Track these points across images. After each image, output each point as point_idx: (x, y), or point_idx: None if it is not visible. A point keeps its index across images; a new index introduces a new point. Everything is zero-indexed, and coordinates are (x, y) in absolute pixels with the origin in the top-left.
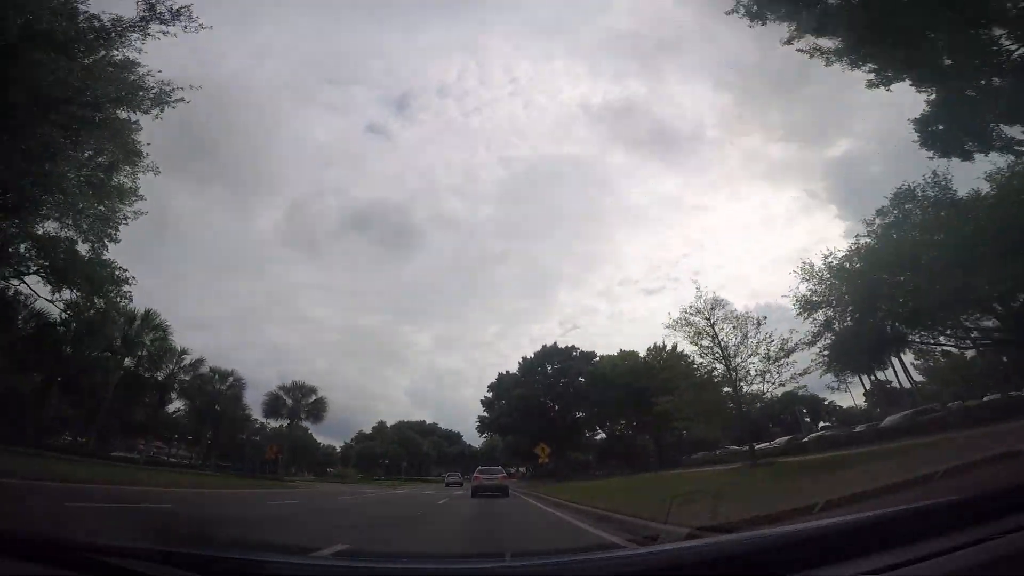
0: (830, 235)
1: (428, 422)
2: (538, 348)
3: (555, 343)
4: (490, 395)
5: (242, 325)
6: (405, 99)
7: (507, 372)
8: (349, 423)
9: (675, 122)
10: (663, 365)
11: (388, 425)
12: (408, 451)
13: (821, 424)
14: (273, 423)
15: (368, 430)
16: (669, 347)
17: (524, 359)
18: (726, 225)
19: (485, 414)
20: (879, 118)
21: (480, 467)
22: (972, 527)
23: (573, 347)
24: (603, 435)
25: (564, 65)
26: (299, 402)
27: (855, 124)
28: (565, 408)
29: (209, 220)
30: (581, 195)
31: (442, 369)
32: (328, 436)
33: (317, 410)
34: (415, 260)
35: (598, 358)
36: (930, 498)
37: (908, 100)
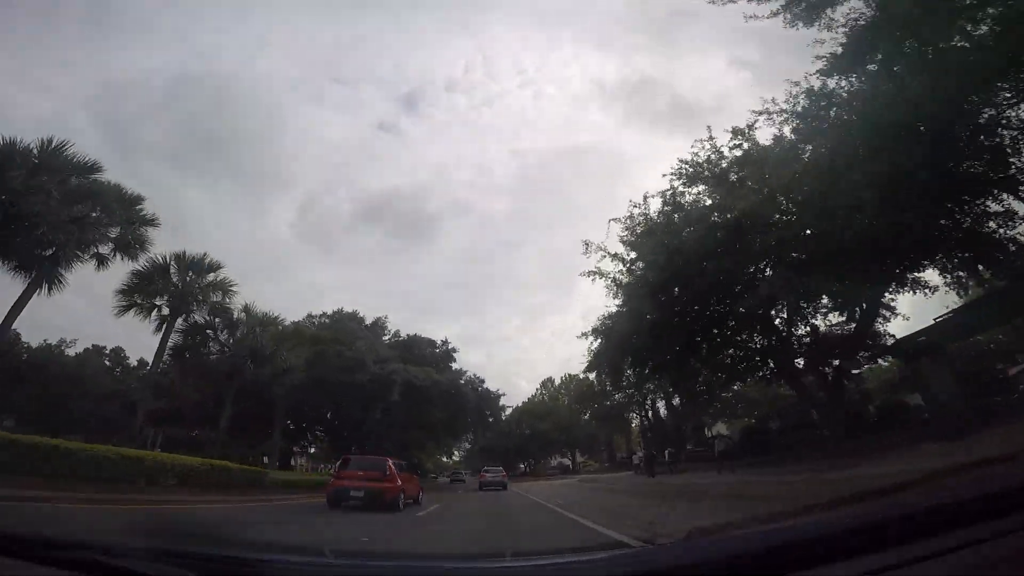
0: None
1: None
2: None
3: None
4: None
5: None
6: (413, 96)
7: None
8: None
9: (695, 95)
10: None
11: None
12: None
13: None
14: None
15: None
16: None
17: None
18: None
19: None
20: None
21: (485, 467)
22: (972, 527)
23: None
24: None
25: (572, 51)
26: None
27: None
28: None
29: (234, 224)
30: (598, 183)
31: (465, 365)
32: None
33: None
34: (434, 257)
35: None
36: (930, 498)
37: None
